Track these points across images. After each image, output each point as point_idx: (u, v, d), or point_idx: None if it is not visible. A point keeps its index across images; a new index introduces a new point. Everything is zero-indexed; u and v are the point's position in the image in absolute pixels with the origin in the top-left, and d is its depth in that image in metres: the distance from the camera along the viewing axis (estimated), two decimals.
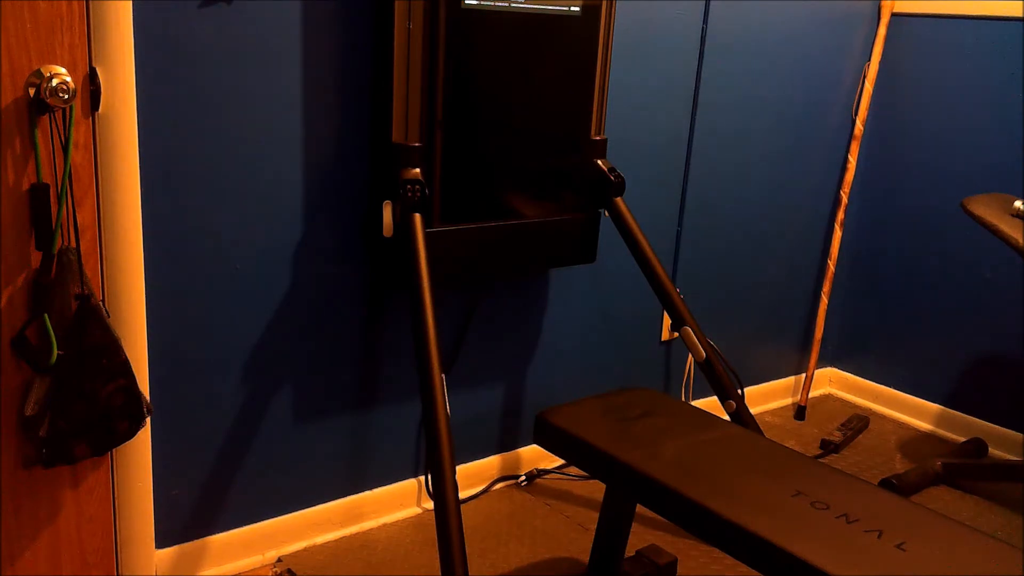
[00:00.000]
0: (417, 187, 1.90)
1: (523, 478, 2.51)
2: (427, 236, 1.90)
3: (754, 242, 2.90)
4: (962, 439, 2.90)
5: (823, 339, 3.14)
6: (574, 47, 2.10)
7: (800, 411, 3.06)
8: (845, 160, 3.05)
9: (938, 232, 2.92)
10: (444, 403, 1.76)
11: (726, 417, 2.14)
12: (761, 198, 2.87)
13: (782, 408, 3.13)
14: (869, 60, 2.98)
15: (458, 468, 2.33)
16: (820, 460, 2.43)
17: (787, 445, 2.01)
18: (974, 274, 2.84)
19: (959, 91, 2.83)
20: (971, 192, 2.74)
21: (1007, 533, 2.38)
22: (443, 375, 1.79)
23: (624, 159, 2.48)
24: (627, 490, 1.69)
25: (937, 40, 2.87)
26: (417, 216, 1.90)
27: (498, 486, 2.48)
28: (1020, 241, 2.22)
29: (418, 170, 1.93)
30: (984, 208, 2.34)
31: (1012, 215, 2.33)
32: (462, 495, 2.40)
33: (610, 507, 1.89)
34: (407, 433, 2.29)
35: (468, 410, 2.39)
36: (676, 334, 2.72)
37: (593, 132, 2.20)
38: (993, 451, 2.83)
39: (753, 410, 2.99)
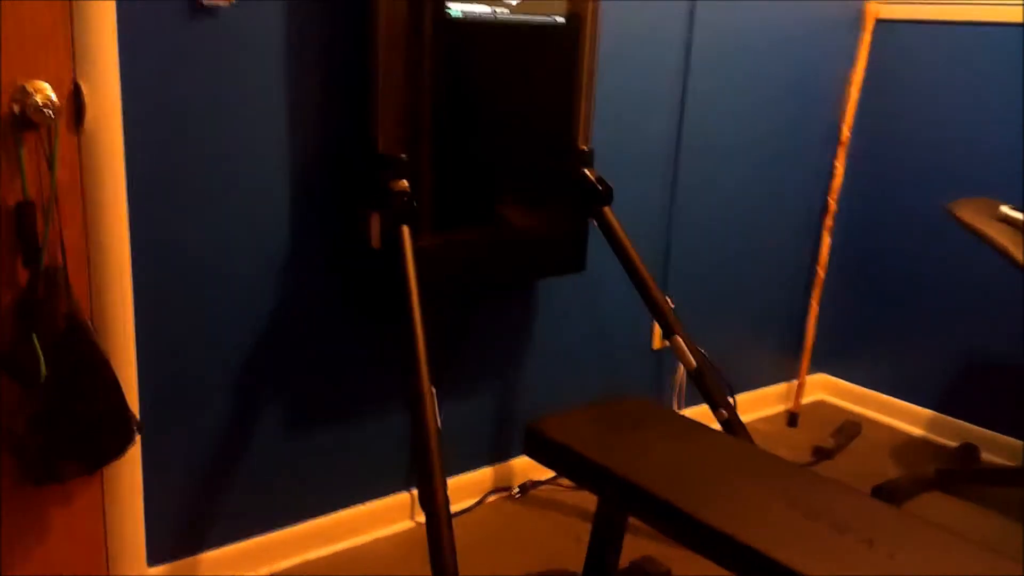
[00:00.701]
0: (405, 198, 1.90)
1: (516, 490, 2.50)
2: (415, 247, 1.90)
3: (743, 249, 2.91)
4: (955, 444, 2.90)
5: (814, 345, 3.14)
6: (560, 57, 2.10)
7: (792, 418, 3.06)
8: (832, 166, 3.06)
9: (926, 238, 2.92)
10: (435, 417, 1.75)
11: (717, 426, 2.14)
12: (749, 205, 2.88)
13: (774, 415, 3.13)
14: (854, 66, 2.99)
15: (450, 480, 2.32)
16: (812, 468, 2.43)
17: (780, 452, 2.01)
18: (963, 280, 2.85)
19: (945, 96, 2.84)
20: (957, 197, 2.75)
21: (1000, 538, 2.38)
22: (433, 388, 1.78)
23: (612, 168, 2.48)
24: (619, 501, 1.68)
25: (922, 46, 2.88)
26: (405, 227, 1.89)
27: (491, 498, 2.47)
28: (1007, 246, 2.23)
29: (405, 181, 1.93)
30: (968, 212, 2.35)
31: (997, 220, 2.34)
32: (455, 508, 2.38)
33: (602, 519, 1.89)
34: (398, 446, 2.28)
35: (459, 421, 2.38)
36: (667, 342, 2.71)
37: (580, 141, 2.20)
38: (985, 456, 2.84)
39: (745, 417, 2.99)
